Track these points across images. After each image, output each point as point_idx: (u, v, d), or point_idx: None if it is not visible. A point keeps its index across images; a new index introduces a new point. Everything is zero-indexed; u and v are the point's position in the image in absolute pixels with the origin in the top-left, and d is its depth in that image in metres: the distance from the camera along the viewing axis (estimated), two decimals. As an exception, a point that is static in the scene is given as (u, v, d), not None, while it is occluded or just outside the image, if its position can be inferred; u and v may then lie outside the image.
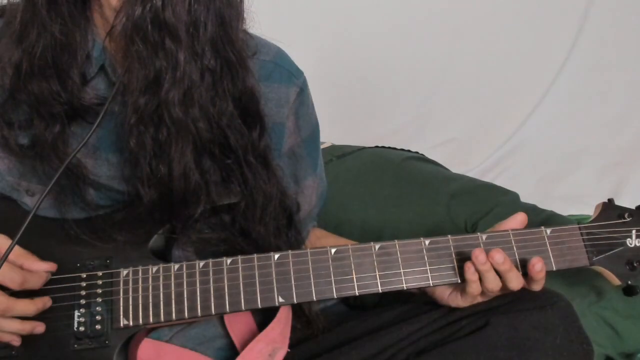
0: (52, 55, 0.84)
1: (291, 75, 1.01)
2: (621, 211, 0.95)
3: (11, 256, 0.82)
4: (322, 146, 1.64)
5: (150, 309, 0.87)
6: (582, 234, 0.94)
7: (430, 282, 0.91)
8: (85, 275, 0.88)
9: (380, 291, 0.89)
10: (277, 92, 0.99)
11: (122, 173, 0.91)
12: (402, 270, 0.90)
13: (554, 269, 0.92)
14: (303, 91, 1.02)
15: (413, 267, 0.91)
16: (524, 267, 0.91)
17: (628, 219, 0.95)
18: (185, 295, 0.87)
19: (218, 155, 0.89)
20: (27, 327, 0.84)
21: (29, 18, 0.84)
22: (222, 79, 0.86)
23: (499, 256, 0.88)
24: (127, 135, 0.84)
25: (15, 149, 0.89)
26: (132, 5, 0.78)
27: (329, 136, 1.70)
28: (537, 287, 0.92)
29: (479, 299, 0.94)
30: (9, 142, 0.89)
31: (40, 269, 0.85)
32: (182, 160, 0.85)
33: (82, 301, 0.87)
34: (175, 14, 0.79)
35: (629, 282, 0.93)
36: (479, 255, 0.88)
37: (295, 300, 0.89)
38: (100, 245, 0.89)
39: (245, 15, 0.89)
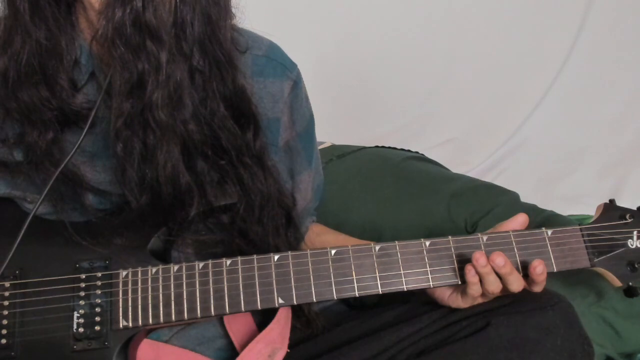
0: (38, 62, 0.84)
1: (285, 68, 1.00)
2: (622, 212, 0.95)
3: None
4: (322, 146, 1.65)
5: (150, 310, 0.87)
6: (583, 235, 0.93)
7: (431, 283, 0.91)
8: (84, 276, 0.88)
9: (381, 292, 0.89)
10: (271, 87, 0.98)
11: (117, 178, 0.90)
12: (402, 272, 0.90)
13: (555, 270, 0.92)
14: (297, 84, 1.01)
15: (413, 268, 0.90)
16: (524, 268, 0.91)
17: (629, 220, 0.94)
18: (184, 297, 0.87)
19: (211, 157, 0.89)
20: None
21: (12, 24, 0.83)
22: (211, 80, 0.85)
23: (499, 259, 0.87)
24: (114, 141, 0.84)
25: (10, 164, 0.89)
26: (112, 8, 0.78)
27: (329, 136, 1.70)
28: (538, 288, 0.91)
29: (480, 300, 0.94)
30: (4, 158, 0.89)
31: None
32: (168, 163, 0.84)
33: (82, 302, 0.87)
34: (156, 15, 0.78)
35: (630, 284, 0.93)
36: (479, 258, 0.87)
37: (295, 302, 0.88)
38: (99, 250, 0.89)
39: (235, 11, 0.88)
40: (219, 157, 0.89)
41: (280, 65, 1.00)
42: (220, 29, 0.84)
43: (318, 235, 1.14)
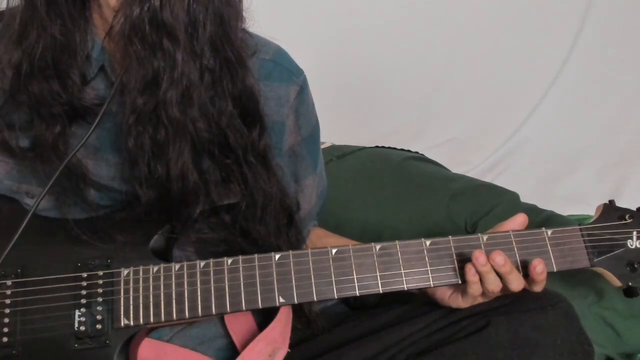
0: (52, 56, 0.84)
1: (291, 73, 1.01)
2: (622, 212, 0.95)
3: None
4: (322, 146, 1.65)
5: (151, 308, 0.87)
6: (583, 235, 0.94)
7: (431, 282, 0.91)
8: (85, 275, 0.88)
9: (381, 292, 0.89)
10: (277, 91, 0.99)
11: (122, 173, 0.91)
12: (402, 271, 0.90)
13: (555, 270, 0.92)
14: (303, 90, 1.02)
15: (414, 267, 0.91)
16: (524, 268, 0.91)
17: (629, 221, 0.94)
18: (186, 295, 0.87)
19: (217, 155, 0.89)
20: None
21: (28, 18, 0.83)
22: (221, 79, 0.86)
23: (499, 258, 0.88)
24: (125, 136, 0.84)
25: (15, 151, 0.89)
26: (130, 5, 0.78)
27: (329, 136, 1.70)
28: (537, 288, 0.92)
29: (480, 300, 0.94)
30: (10, 144, 0.89)
31: None
32: (180, 161, 0.85)
33: (83, 301, 0.87)
34: (173, 14, 0.79)
35: (630, 284, 0.93)
36: (479, 256, 0.88)
37: (296, 301, 0.88)
38: (101, 246, 0.89)
39: (244, 14, 0.89)
40: (224, 156, 0.90)
41: (286, 70, 1.00)
42: (231, 29, 0.85)
43: (319, 238, 1.14)
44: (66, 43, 0.85)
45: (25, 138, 0.89)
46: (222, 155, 0.89)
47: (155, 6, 0.78)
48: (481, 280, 0.89)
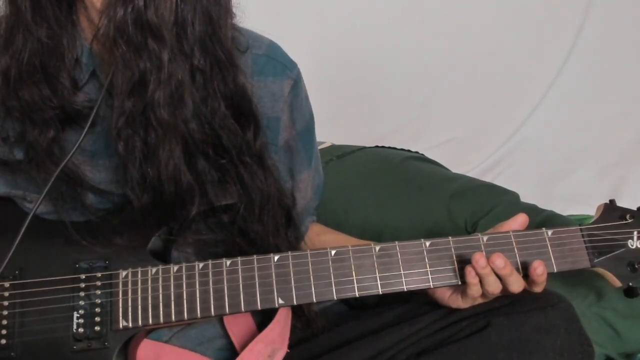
0: (40, 60, 0.84)
1: (285, 67, 1.00)
2: (622, 212, 0.95)
3: None
4: (322, 146, 1.65)
5: (150, 310, 0.87)
6: (583, 236, 0.93)
7: (431, 283, 0.91)
8: (84, 277, 0.88)
9: (381, 293, 0.89)
10: (271, 86, 0.99)
11: (119, 176, 0.90)
12: (402, 272, 0.90)
13: (555, 270, 0.92)
14: (297, 83, 1.02)
15: (413, 268, 0.90)
16: (525, 269, 0.90)
17: (629, 221, 0.94)
18: (184, 297, 0.87)
19: (212, 156, 0.89)
20: None
21: (14, 23, 0.83)
22: (212, 79, 0.85)
23: (499, 261, 0.87)
24: (115, 139, 0.83)
25: (10, 163, 0.89)
26: (114, 7, 0.78)
27: (329, 136, 1.70)
28: (538, 289, 0.91)
29: (480, 300, 0.94)
30: (4, 156, 0.89)
31: None
32: (170, 162, 0.84)
33: (82, 302, 0.87)
34: (158, 14, 0.78)
35: (630, 284, 0.93)
36: (479, 259, 0.87)
37: (295, 302, 0.88)
38: (100, 250, 0.89)
39: (235, 11, 0.88)
40: (219, 156, 0.89)
41: (280, 64, 1.00)
42: (221, 28, 0.84)
43: (318, 235, 1.14)
44: (53, 47, 0.84)
45: (20, 150, 0.89)
46: (216, 156, 0.89)
47: (140, 7, 0.77)
48: (481, 282, 0.89)
